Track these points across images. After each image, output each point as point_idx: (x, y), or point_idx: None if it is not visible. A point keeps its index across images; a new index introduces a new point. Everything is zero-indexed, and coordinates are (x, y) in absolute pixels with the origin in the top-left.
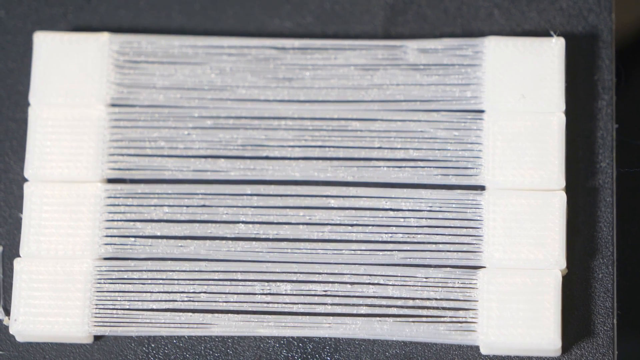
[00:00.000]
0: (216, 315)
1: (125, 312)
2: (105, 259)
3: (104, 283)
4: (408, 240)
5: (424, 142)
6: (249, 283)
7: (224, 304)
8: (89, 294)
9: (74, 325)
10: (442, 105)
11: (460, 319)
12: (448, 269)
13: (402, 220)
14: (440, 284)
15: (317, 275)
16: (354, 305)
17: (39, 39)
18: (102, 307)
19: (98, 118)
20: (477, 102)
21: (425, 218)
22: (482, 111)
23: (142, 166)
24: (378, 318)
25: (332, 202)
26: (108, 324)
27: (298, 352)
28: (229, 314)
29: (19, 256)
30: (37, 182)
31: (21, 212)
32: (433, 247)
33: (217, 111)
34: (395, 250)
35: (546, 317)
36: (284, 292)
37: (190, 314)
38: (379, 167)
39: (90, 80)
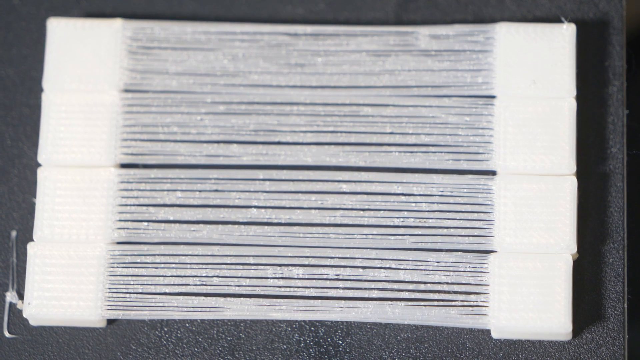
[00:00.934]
0: (228, 299)
1: (138, 296)
2: (118, 243)
3: (117, 267)
4: (419, 224)
5: (435, 127)
6: (261, 267)
7: (237, 287)
8: (102, 278)
9: (87, 309)
10: (453, 90)
11: (472, 303)
12: (459, 253)
13: (413, 204)
14: (451, 268)
15: (329, 259)
16: (365, 289)
17: (53, 25)
18: (115, 291)
19: (111, 104)
20: (488, 88)
21: (437, 203)
22: (493, 97)
23: (155, 151)
24: (390, 302)
25: (344, 187)
26: (121, 307)
27: (310, 336)
28: (242, 298)
29: (32, 241)
30: (51, 167)
31: (35, 197)
32: (444, 231)
33: (229, 97)
34: (406, 234)
35: (557, 301)
36: (296, 276)
37: (202, 297)
38: (391, 152)
39: (103, 66)
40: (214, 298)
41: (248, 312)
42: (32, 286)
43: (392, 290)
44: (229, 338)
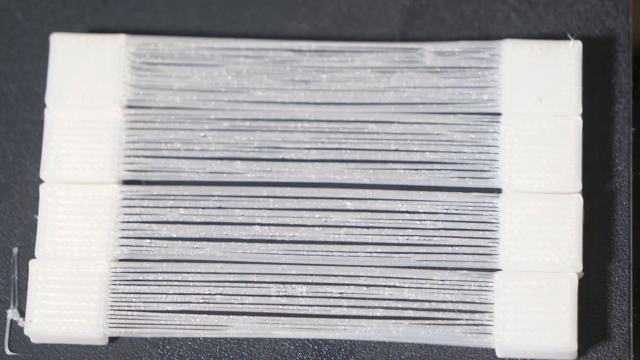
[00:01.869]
0: (231, 317)
1: (141, 313)
2: (121, 260)
3: (119, 284)
4: (424, 242)
5: (440, 144)
6: (265, 285)
7: (240, 305)
8: (104, 295)
9: (89, 326)
10: (459, 107)
11: (476, 322)
12: (464, 271)
13: (418, 222)
14: (456, 287)
15: (333, 277)
16: (369, 307)
17: (56, 40)
18: (117, 308)
19: (114, 120)
20: (494, 105)
21: (442, 220)
22: (499, 114)
23: (158, 168)
24: (394, 320)
25: (348, 205)
26: (123, 325)
27: (313, 354)
28: (245, 316)
29: (34, 257)
30: (53, 183)
31: (37, 214)
32: (449, 249)
33: (233, 113)
34: (411, 252)
35: (562, 320)
36: (299, 294)
37: (205, 315)
38: (396, 169)
39: (106, 81)
40: (217, 316)
41: (251, 330)
42: (33, 303)
43: (396, 308)
44: (231, 357)
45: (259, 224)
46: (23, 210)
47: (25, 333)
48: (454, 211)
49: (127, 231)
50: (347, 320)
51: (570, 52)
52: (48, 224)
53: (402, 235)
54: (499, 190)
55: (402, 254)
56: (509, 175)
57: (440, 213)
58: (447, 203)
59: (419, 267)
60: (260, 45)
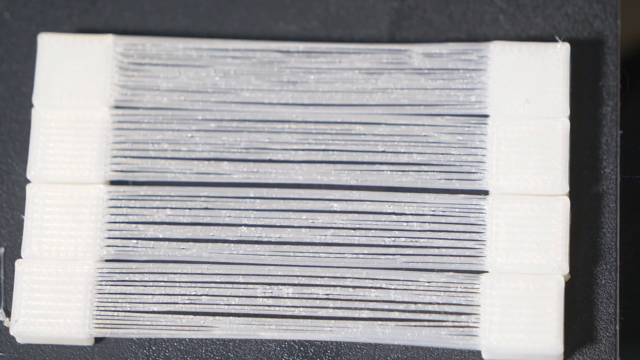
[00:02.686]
0: (217, 317)
1: (127, 314)
2: (107, 260)
3: (105, 285)
4: (411, 244)
5: (427, 146)
6: (251, 286)
7: (226, 306)
8: (90, 295)
9: (75, 327)
10: (446, 109)
11: (463, 324)
12: (450, 273)
13: (405, 224)
14: (442, 289)
15: (319, 278)
16: (355, 309)
17: (44, 40)
18: (103, 309)
19: (101, 120)
20: (481, 107)
21: (429, 222)
22: (486, 116)
23: (145, 168)
24: (380, 322)
25: (335, 206)
26: (109, 325)
27: (299, 356)
28: (231, 317)
29: (20, 257)
30: (40, 183)
31: (23, 214)
32: (436, 251)
33: (220, 114)
34: (397, 254)
35: (548, 323)
36: (285, 296)
37: (191, 316)
38: (383, 170)
39: (94, 82)
40: (203, 317)
41: (237, 331)
42: (19, 303)
43: (382, 310)
44: (217, 357)
45: (245, 225)
46: (9, 210)
47: (11, 333)
48: (441, 213)
49: (113, 231)
50: (333, 321)
51: (558, 54)
52: (34, 224)
53: (388, 237)
54: (486, 192)
55: (388, 256)
56: (496, 177)
57: (427, 215)
58: (434, 205)
59: (406, 269)
60: (248, 46)
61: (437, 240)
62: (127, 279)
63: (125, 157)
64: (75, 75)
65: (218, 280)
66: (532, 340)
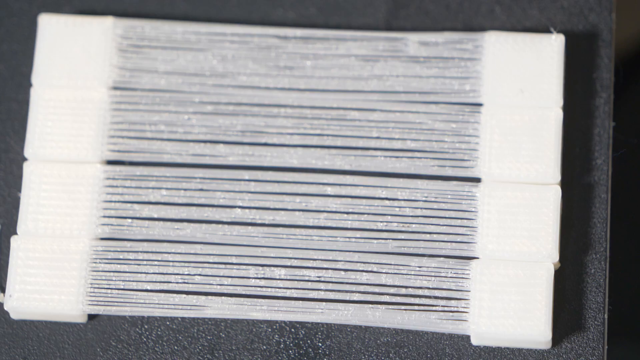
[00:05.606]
0: (210, 297)
1: (120, 292)
2: (102, 239)
3: (100, 263)
4: (403, 229)
5: (421, 133)
6: (244, 267)
7: (218, 286)
8: (84, 273)
9: (69, 303)
10: (441, 97)
11: (452, 309)
12: (441, 258)
13: (397, 209)
14: (433, 274)
15: (312, 261)
16: (347, 292)
17: (44, 21)
18: (97, 286)
19: (100, 100)
20: (475, 96)
21: (421, 208)
22: (480, 104)
23: (141, 149)
24: (370, 305)
25: (329, 190)
26: (102, 303)
27: (290, 337)
28: (223, 297)
29: (16, 234)
30: (37, 161)
31: (20, 191)
32: (427, 236)
33: (217, 97)
34: (389, 239)
35: (537, 310)
36: (278, 277)
37: (184, 295)
38: (377, 156)
39: (93, 63)
40: (195, 296)
41: (229, 311)
42: (14, 279)
43: (373, 293)
44: (209, 337)
45: (239, 207)
46: (7, 187)
47: (5, 308)
48: (433, 199)
49: (109, 210)
50: (324, 303)
51: (553, 45)
52: (31, 201)
53: (381, 222)
54: (478, 180)
55: (380, 240)
56: (488, 165)
57: (420, 200)
58: (427, 191)
59: (397, 254)
60: (246, 31)
61: (429, 225)
62: (121, 257)
63: (122, 137)
64: (74, 56)
65: (211, 261)
66: (520, 327)
